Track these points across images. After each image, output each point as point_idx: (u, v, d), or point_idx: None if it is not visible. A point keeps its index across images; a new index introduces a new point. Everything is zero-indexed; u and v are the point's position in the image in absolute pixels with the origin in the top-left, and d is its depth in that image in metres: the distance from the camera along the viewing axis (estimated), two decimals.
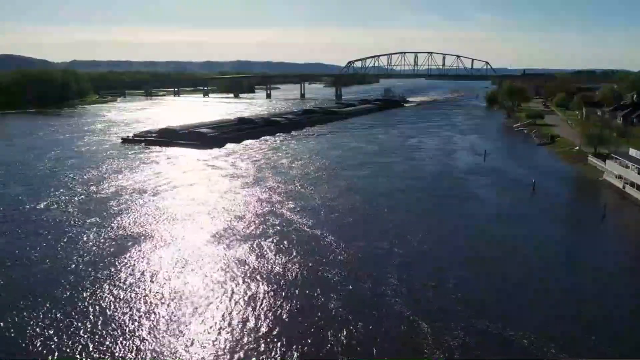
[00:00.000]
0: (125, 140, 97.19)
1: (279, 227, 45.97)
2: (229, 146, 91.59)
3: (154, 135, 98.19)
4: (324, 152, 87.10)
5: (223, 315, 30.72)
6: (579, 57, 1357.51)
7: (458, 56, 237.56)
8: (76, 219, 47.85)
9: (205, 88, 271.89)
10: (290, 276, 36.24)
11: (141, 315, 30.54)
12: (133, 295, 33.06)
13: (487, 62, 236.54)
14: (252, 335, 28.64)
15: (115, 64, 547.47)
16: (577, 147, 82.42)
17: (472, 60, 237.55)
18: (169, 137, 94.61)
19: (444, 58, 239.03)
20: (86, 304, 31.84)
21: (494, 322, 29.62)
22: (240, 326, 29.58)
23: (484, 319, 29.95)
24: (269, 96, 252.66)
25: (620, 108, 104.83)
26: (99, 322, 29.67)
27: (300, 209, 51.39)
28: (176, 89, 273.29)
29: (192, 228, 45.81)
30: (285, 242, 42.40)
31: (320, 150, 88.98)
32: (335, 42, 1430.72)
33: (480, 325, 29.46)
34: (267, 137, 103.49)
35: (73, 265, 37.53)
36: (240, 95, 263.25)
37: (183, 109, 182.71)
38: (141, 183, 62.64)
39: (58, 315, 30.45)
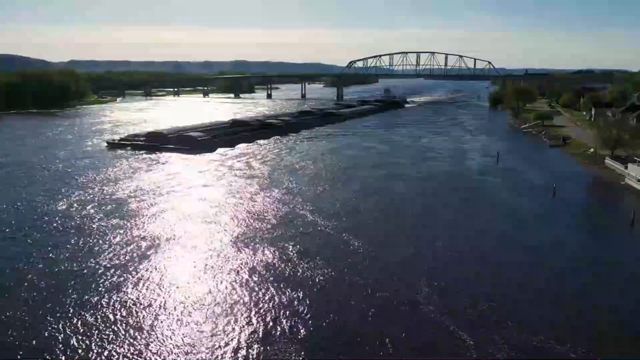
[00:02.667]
0: (111, 145, 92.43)
1: (299, 233, 44.56)
2: (221, 151, 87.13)
3: (141, 139, 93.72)
4: (326, 157, 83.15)
5: (252, 321, 29.72)
6: (577, 57, 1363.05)
7: (460, 56, 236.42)
8: (94, 221, 46.38)
9: (206, 88, 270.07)
10: (318, 281, 35.14)
11: (170, 322, 29.56)
12: (161, 300, 32.07)
13: (489, 62, 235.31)
14: (283, 340, 27.70)
15: (113, 63, 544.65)
16: (592, 149, 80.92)
17: (475, 60, 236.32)
18: (156, 141, 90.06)
19: (446, 58, 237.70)
20: (115, 309, 30.92)
21: (536, 334, 28.29)
22: (270, 331, 28.63)
23: (526, 331, 28.68)
24: (269, 96, 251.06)
25: (632, 109, 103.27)
26: (128, 328, 28.76)
27: (317, 216, 49.87)
28: (176, 89, 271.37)
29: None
30: (309, 246, 41.08)
31: (321, 155, 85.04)
32: (334, 42, 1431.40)
33: (523, 337, 28.15)
34: (262, 141, 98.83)
35: (99, 268, 36.71)
36: (241, 95, 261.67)
37: (185, 109, 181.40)
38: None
39: (86, 319, 29.62)
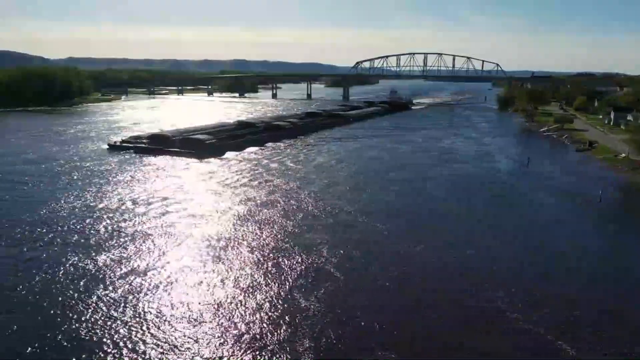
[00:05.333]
0: (112, 147, 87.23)
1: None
2: (230, 155, 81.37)
3: (144, 141, 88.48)
4: (348, 160, 79.68)
5: (327, 325, 28.80)
6: (577, 60, 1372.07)
7: (468, 57, 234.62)
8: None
9: (209, 87, 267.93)
10: (384, 285, 34.11)
11: (240, 322, 28.54)
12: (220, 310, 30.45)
13: (497, 64, 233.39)
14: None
15: (112, 61, 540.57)
16: (624, 155, 79.34)
17: (483, 62, 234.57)
18: (160, 144, 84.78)
19: (454, 59, 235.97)
20: (168, 315, 29.89)
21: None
22: (349, 335, 27.99)
23: (623, 339, 27.79)
24: (274, 96, 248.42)
25: None
26: (182, 333, 28.00)
27: (360, 221, 48.16)
28: (179, 88, 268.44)
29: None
30: (369, 250, 39.59)
31: (343, 158, 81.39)
32: (332, 42, 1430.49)
33: (620, 345, 27.18)
34: (272, 144, 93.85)
35: (143, 269, 35.56)
36: (245, 94, 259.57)
37: (192, 108, 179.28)
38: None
39: (133, 324, 28.78)
